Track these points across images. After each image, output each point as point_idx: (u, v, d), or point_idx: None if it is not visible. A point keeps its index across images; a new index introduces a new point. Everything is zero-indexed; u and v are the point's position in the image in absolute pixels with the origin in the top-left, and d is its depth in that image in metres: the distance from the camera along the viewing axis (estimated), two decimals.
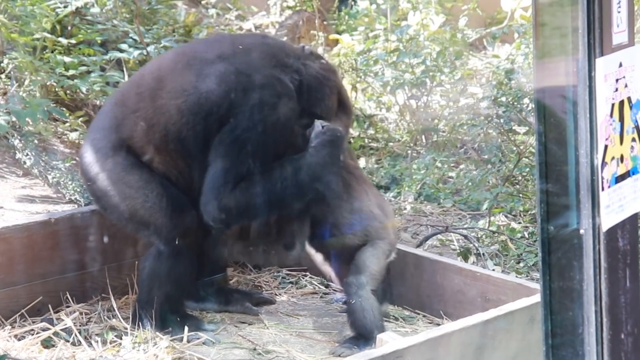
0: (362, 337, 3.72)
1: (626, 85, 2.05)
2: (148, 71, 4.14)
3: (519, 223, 5.21)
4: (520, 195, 5.48)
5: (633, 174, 2.09)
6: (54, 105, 5.71)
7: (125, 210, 3.86)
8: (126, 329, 3.82)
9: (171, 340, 3.71)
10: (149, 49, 6.05)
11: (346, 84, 6.87)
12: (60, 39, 5.97)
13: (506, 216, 5.30)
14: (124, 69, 6.17)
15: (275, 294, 4.29)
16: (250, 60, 3.84)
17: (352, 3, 8.55)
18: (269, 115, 3.74)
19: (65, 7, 6.13)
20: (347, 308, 3.83)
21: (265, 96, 3.75)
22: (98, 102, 6.26)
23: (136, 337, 3.73)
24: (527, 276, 4.53)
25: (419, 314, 4.07)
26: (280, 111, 3.77)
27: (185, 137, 3.79)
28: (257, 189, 3.73)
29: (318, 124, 3.87)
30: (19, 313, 3.89)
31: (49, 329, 3.76)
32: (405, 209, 5.46)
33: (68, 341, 3.72)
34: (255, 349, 3.75)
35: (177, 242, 3.82)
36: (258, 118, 3.72)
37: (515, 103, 5.70)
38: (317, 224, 3.94)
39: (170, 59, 4.14)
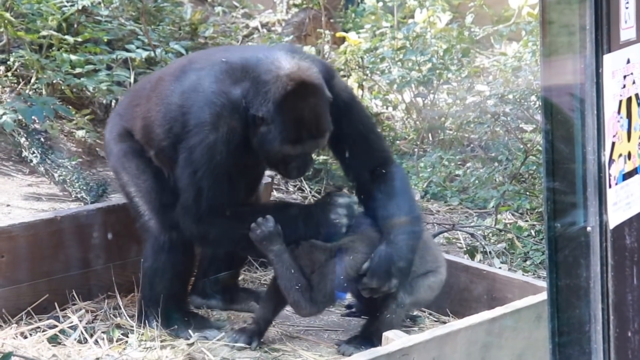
0: (370, 341, 3.68)
1: (634, 82, 2.04)
2: (164, 69, 4.18)
3: (526, 221, 5.20)
4: (527, 193, 5.47)
5: None
6: (60, 103, 5.71)
7: (125, 194, 3.97)
8: (132, 327, 3.82)
9: (176, 340, 3.71)
10: (157, 51, 6.04)
11: (352, 82, 6.88)
12: (66, 37, 5.97)
13: (513, 214, 5.30)
14: (130, 68, 6.17)
15: None
16: (213, 75, 3.70)
17: (359, 1, 8.54)
18: (208, 136, 3.60)
19: (71, 5, 6.12)
20: (377, 316, 3.77)
21: (206, 115, 3.61)
22: (104, 101, 6.26)
23: (142, 335, 3.72)
24: (533, 274, 4.53)
25: (425, 311, 4.06)
26: (220, 131, 3.60)
27: (166, 145, 3.78)
28: (233, 224, 3.70)
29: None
30: (25, 311, 3.89)
31: (55, 326, 3.76)
32: None
33: (74, 339, 3.72)
34: (261, 347, 3.75)
35: (167, 237, 3.83)
36: (199, 139, 3.62)
37: (523, 101, 5.69)
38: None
39: (178, 62, 4.16)
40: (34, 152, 5.45)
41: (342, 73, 7.19)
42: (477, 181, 5.62)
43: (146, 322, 3.84)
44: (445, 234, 5.00)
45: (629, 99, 2.03)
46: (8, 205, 5.02)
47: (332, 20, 8.18)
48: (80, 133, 5.86)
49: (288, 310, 4.11)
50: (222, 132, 3.61)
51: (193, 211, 3.66)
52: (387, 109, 6.83)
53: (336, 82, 3.86)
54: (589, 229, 1.95)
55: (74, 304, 3.99)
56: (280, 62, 3.67)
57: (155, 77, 4.09)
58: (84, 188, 5.17)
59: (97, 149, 5.95)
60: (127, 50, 6.12)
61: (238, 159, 3.67)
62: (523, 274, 4.32)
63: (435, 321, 3.99)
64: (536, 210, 5.29)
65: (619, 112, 2.00)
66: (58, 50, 5.94)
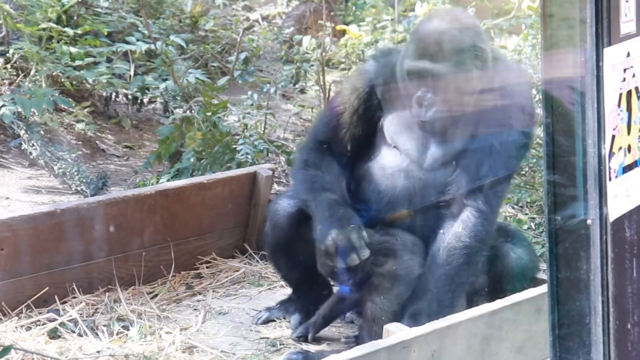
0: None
1: (634, 75, 2.04)
2: None
3: (526, 214, 5.20)
4: (527, 186, 5.47)
5: None
6: (60, 95, 5.71)
7: None
8: (132, 320, 3.82)
9: (183, 329, 3.72)
10: (157, 44, 6.04)
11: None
12: (66, 29, 5.97)
13: (513, 207, 5.29)
14: (131, 60, 6.17)
15: (282, 286, 4.28)
16: None
17: None
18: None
19: None
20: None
21: None
22: (104, 93, 6.26)
23: (142, 328, 3.73)
24: None
25: None
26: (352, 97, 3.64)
27: None
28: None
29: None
30: (25, 304, 3.89)
31: (55, 319, 3.76)
32: None
33: (74, 332, 3.72)
34: (263, 339, 3.76)
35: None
36: None
37: None
38: None
39: None
40: (33, 145, 5.45)
41: (342, 66, 7.19)
42: None
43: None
44: None
45: (629, 92, 2.03)
46: (7, 198, 5.03)
47: (332, 13, 8.17)
48: (80, 125, 5.86)
49: None
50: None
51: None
52: None
53: (519, 93, 3.66)
54: (589, 221, 1.95)
55: (75, 297, 3.99)
56: None
57: None
58: (84, 181, 5.17)
59: (97, 141, 5.95)
60: (127, 43, 6.11)
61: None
62: None
63: None
64: (536, 203, 5.28)
65: (619, 105, 2.00)
66: (58, 42, 5.93)
